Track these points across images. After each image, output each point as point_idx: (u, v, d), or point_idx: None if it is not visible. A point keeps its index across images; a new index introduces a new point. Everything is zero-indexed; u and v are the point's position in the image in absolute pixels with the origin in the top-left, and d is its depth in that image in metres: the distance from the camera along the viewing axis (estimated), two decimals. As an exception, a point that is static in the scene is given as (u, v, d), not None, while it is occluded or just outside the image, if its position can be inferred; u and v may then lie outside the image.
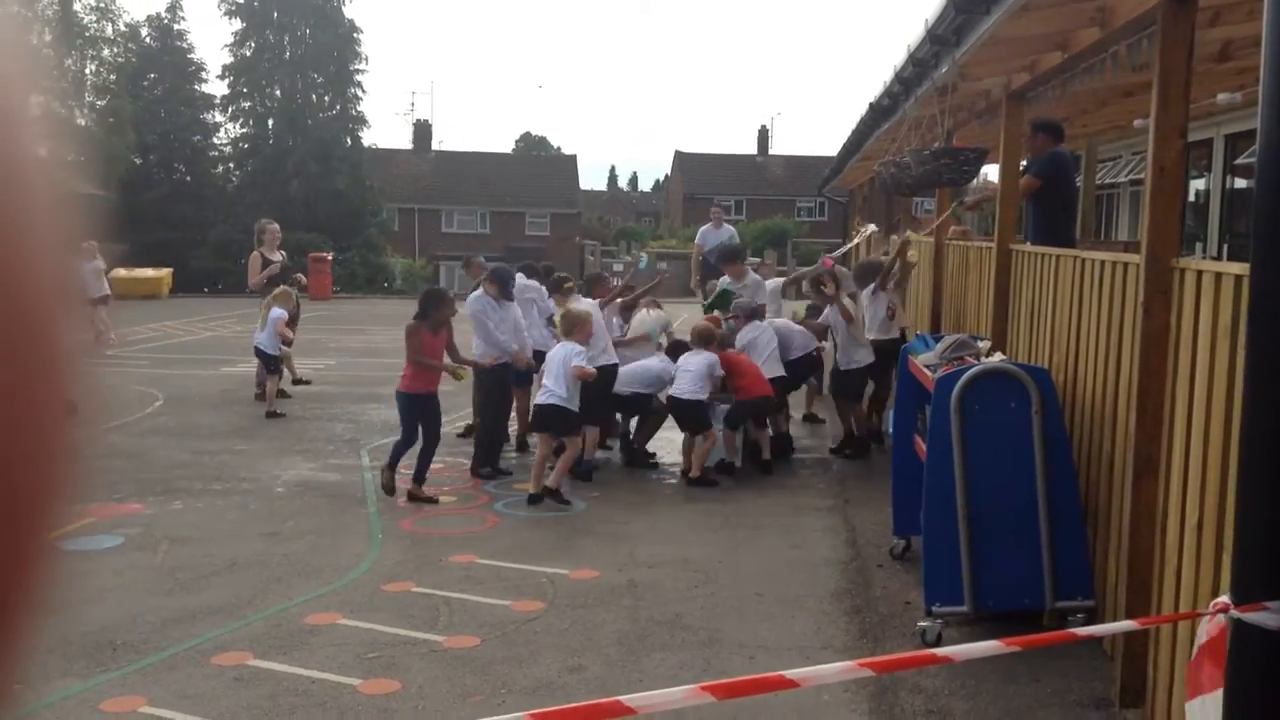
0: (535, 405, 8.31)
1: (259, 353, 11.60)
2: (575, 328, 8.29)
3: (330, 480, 8.63)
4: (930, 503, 5.24)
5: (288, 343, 11.75)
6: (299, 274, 11.62)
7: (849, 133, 14.10)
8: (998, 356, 5.82)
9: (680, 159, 60.49)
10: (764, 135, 60.00)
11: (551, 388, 8.03)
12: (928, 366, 5.97)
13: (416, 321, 8.04)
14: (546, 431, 8.17)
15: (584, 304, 8.91)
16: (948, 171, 6.97)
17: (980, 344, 6.20)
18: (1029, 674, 4.83)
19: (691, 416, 8.66)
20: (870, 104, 10.14)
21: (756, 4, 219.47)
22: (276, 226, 12.54)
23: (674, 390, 8.70)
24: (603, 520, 7.52)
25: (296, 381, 12.57)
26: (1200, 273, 4.00)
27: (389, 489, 8.03)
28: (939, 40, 6.15)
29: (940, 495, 5.19)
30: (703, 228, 14.95)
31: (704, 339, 8.90)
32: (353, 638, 5.33)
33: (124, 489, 8.20)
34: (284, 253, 12.57)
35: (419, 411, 8.00)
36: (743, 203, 54.91)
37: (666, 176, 73.83)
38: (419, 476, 8.04)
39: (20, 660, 0.36)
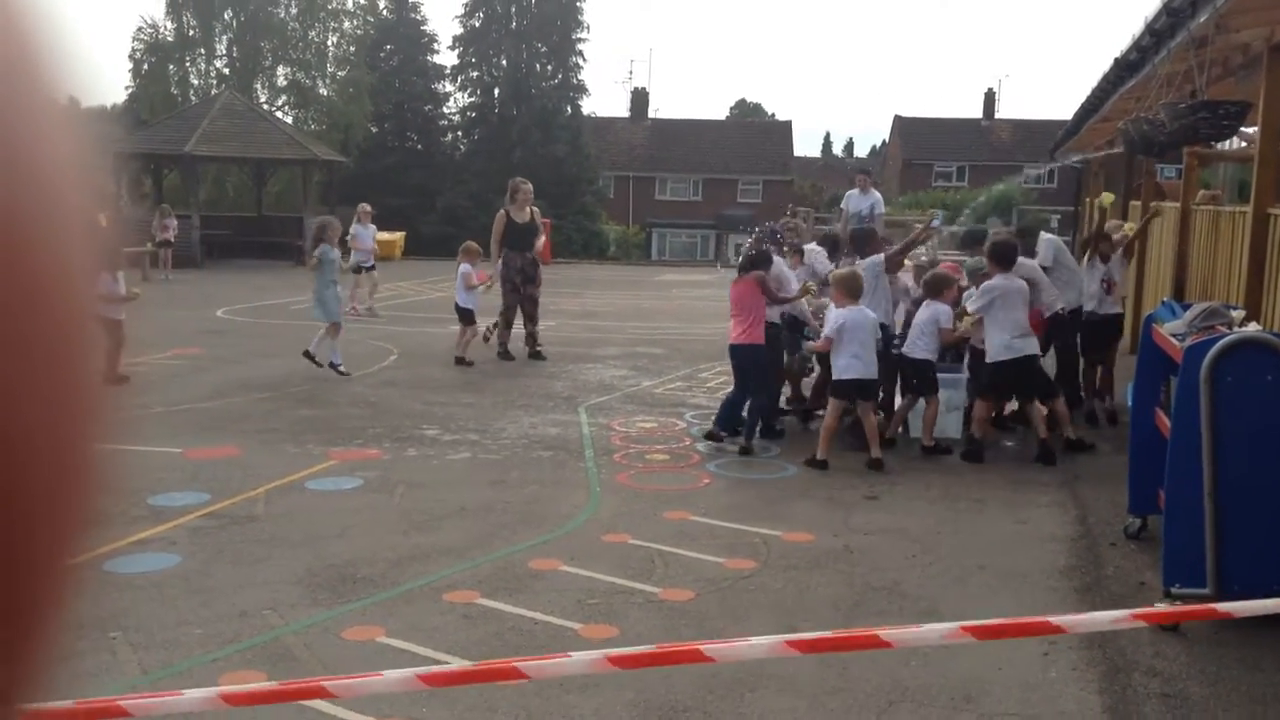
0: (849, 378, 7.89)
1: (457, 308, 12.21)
2: (944, 288, 8.25)
3: (551, 434, 8.90)
4: (1174, 478, 4.94)
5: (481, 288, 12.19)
6: (538, 240, 11.87)
7: (1087, 93, 13.36)
8: (1253, 326, 5.41)
9: (899, 123, 58.80)
10: (990, 98, 57.58)
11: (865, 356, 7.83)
12: (1175, 335, 5.61)
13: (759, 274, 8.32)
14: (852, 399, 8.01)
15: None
16: (1205, 126, 6.50)
17: (1234, 313, 5.77)
18: (1277, 663, 4.50)
19: (920, 377, 8.39)
20: (1115, 59, 9.58)
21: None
22: (530, 186, 12.53)
23: (904, 347, 8.47)
24: (816, 485, 7.46)
25: (486, 339, 12.74)
26: None
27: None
28: (1198, -13, 5.73)
29: (1185, 471, 4.88)
30: (850, 192, 14.53)
31: (936, 287, 8.36)
32: (573, 584, 5.50)
33: (363, 435, 8.72)
34: (535, 209, 12.78)
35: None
36: (965, 169, 52.98)
37: (884, 142, 71.98)
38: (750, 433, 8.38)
39: (43, 670, 0.36)
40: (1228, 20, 6.36)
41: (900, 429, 8.81)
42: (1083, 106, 14.74)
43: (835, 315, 7.93)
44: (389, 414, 9.57)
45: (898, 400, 8.88)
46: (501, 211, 12.38)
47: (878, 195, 14.46)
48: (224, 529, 6.30)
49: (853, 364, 7.81)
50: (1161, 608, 4.92)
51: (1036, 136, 45.82)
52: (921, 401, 8.49)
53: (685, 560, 5.88)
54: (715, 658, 2.24)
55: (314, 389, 10.64)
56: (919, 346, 8.32)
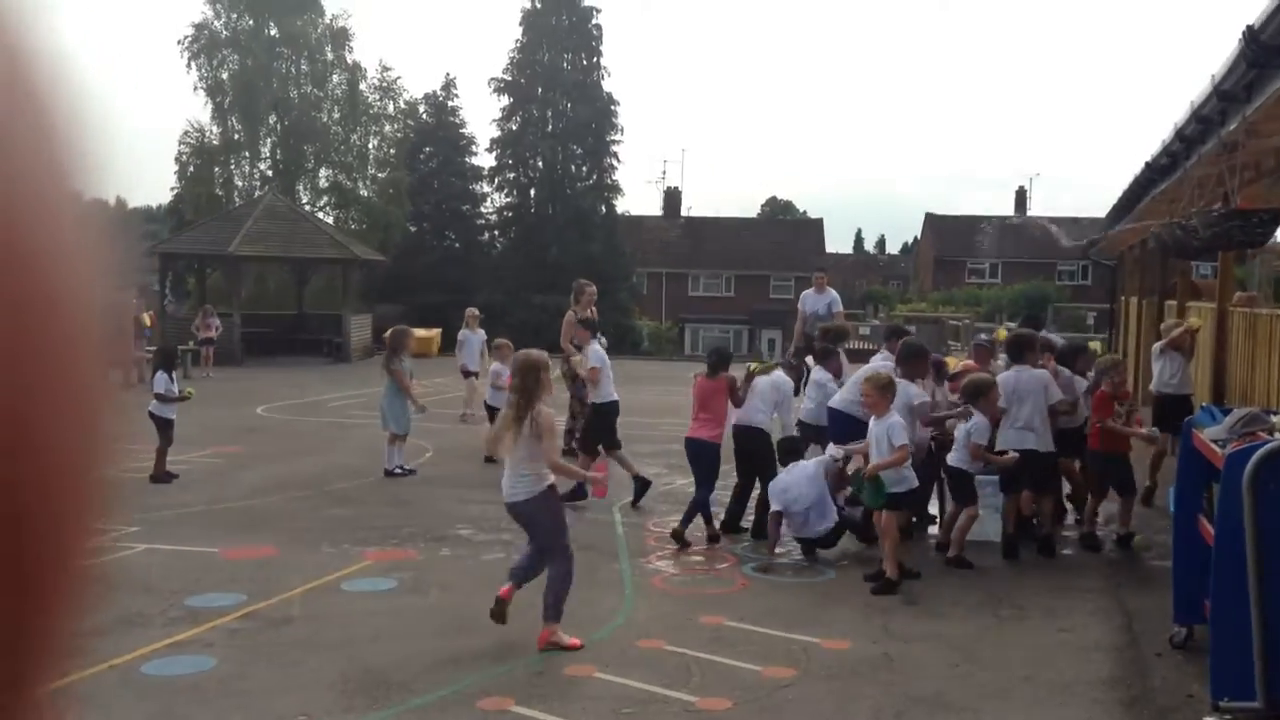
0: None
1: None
2: (980, 395, 8.04)
3: (584, 534, 8.85)
4: (1219, 587, 4.86)
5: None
6: (600, 336, 12.03)
7: (1119, 194, 13.45)
8: (1296, 433, 5.35)
9: (931, 220, 59.27)
10: (1021, 195, 58.01)
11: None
12: (1215, 441, 5.56)
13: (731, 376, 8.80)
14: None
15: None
16: (1239, 233, 6.53)
17: (1275, 419, 5.72)
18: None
19: (959, 487, 8.20)
20: (1146, 163, 9.66)
21: (1011, 65, 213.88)
22: (594, 288, 12.70)
23: (950, 457, 8.28)
24: (855, 589, 7.37)
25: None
26: None
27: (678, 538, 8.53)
28: (1226, 96, 5.83)
29: (1230, 579, 4.80)
30: (805, 292, 14.64)
31: (975, 393, 8.12)
32: (608, 691, 5.44)
33: (398, 535, 8.74)
34: (594, 309, 12.93)
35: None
36: (998, 265, 53.11)
37: (916, 239, 72.44)
38: (688, 520, 8.61)
39: (55, 664, 0.39)
40: (1258, 126, 6.43)
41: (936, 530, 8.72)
42: (1115, 207, 14.84)
43: (900, 426, 7.51)
44: (423, 513, 9.59)
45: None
46: (570, 313, 12.42)
47: (834, 294, 14.55)
48: (261, 631, 6.30)
49: (913, 475, 7.52)
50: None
51: (1069, 234, 45.95)
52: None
53: (722, 668, 5.81)
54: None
55: (350, 488, 10.70)
56: (955, 455, 8.20)
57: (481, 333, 15.81)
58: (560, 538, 6.28)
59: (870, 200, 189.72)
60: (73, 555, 0.38)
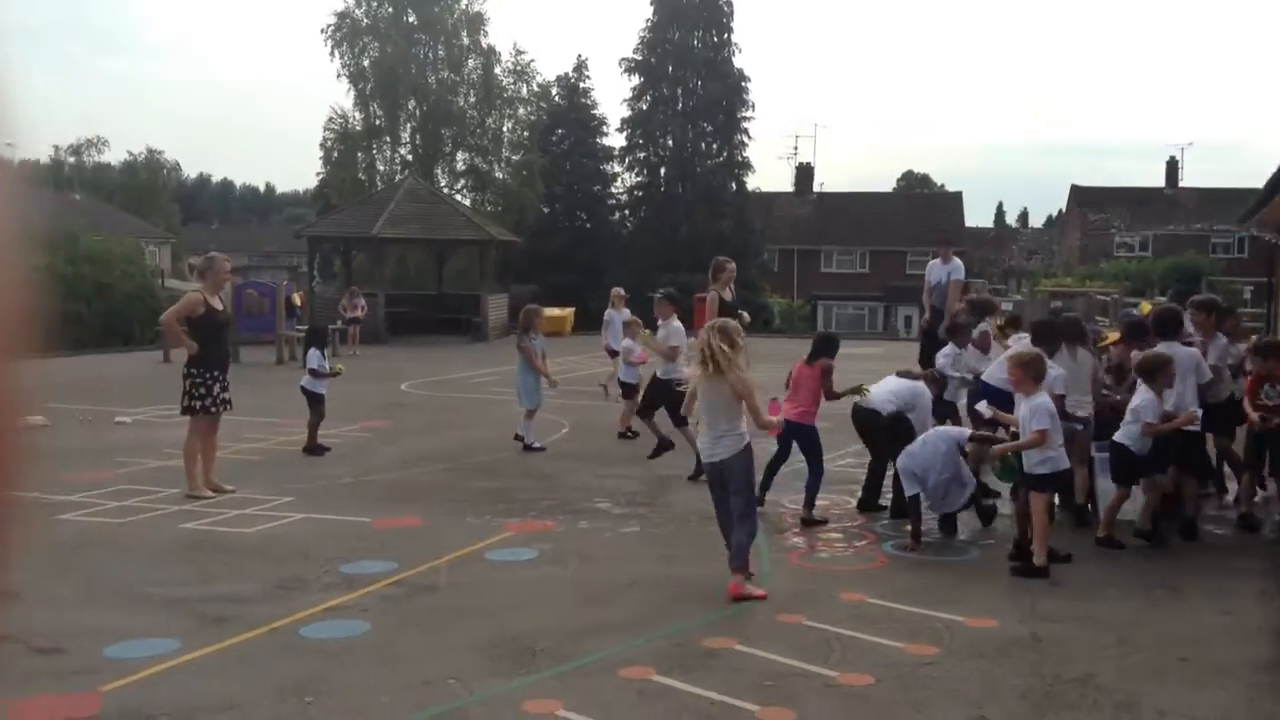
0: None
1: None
2: (1159, 371, 7.67)
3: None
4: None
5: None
6: (742, 312, 12.03)
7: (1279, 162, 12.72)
8: None
9: (1077, 193, 57.15)
10: (1173, 166, 55.44)
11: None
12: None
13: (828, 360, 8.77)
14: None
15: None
16: None
17: None
18: None
19: (1120, 464, 7.85)
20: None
21: (1163, 26, 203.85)
22: (733, 265, 12.58)
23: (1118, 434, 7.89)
24: (1000, 569, 7.20)
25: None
26: None
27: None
28: None
29: None
30: (932, 262, 14.22)
31: (1151, 371, 7.73)
32: (748, 664, 5.46)
33: (538, 507, 8.92)
34: (732, 288, 12.99)
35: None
36: (1148, 239, 50.94)
37: (1060, 212, 69.96)
38: (810, 503, 8.48)
39: None
40: None
41: (1089, 508, 8.44)
42: (1275, 176, 14.05)
43: (1044, 406, 7.16)
44: (562, 487, 9.77)
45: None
46: (713, 292, 12.38)
47: (958, 263, 14.17)
48: (410, 597, 6.53)
49: (1062, 456, 7.16)
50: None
51: (1225, 204, 43.75)
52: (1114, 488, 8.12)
53: (863, 644, 5.76)
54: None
55: (491, 461, 10.97)
56: (1124, 432, 7.81)
57: (626, 312, 15.89)
58: (752, 493, 6.82)
59: (1012, 172, 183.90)
60: None
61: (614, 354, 15.85)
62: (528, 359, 11.73)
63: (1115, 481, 7.89)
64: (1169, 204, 53.04)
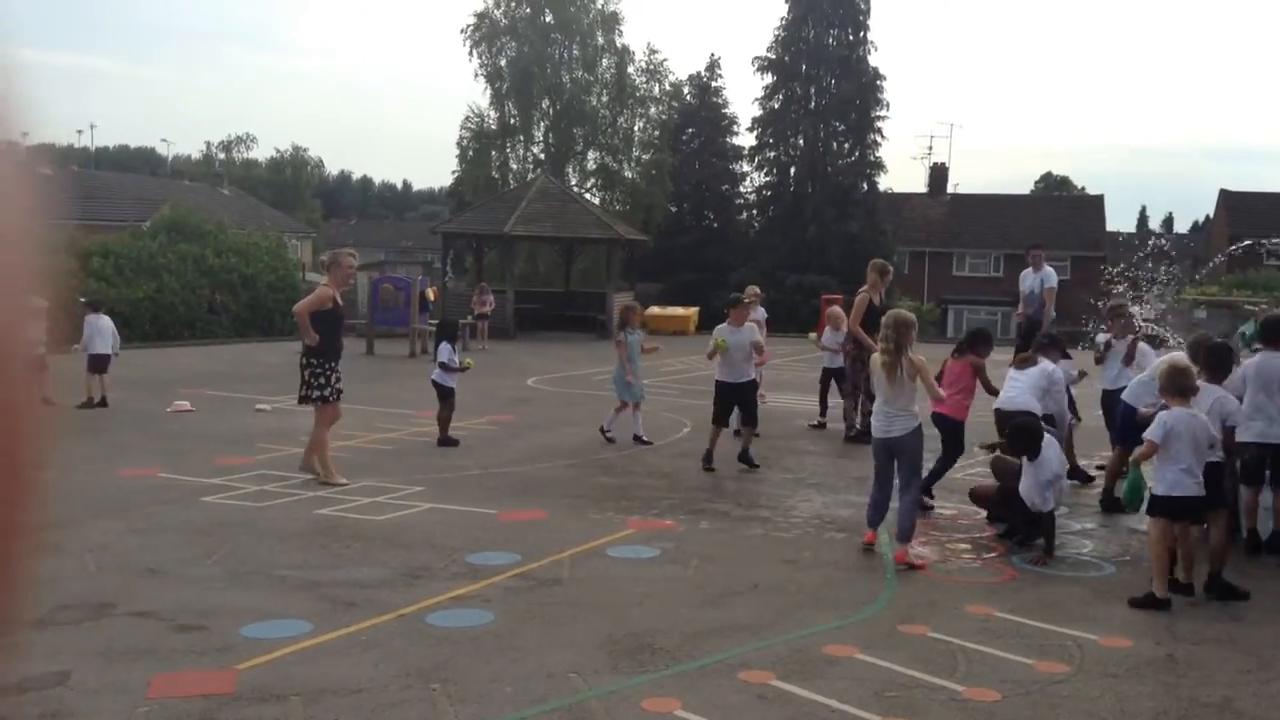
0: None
1: None
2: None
3: (843, 515, 8.79)
4: None
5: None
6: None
7: None
8: None
9: (1226, 197, 54.56)
10: (1334, 169, 52.41)
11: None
12: None
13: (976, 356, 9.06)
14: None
15: None
16: None
17: None
18: None
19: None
20: None
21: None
22: (889, 270, 12.60)
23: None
24: (1135, 587, 6.93)
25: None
26: None
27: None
28: None
29: None
30: (1024, 271, 14.33)
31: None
32: (870, 674, 5.38)
33: (659, 506, 8.95)
34: (881, 293, 12.82)
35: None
36: (1303, 246, 48.26)
37: (1208, 217, 66.91)
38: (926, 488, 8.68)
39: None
40: None
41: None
42: None
43: (1162, 418, 6.78)
44: (683, 486, 9.78)
45: None
46: (864, 293, 12.21)
47: (1049, 270, 13.95)
48: (533, 590, 6.63)
49: (1181, 479, 6.56)
50: None
51: (1393, 209, 41.19)
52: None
53: (990, 659, 5.62)
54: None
55: (614, 458, 11.06)
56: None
57: (762, 310, 15.70)
58: (920, 467, 7.67)
59: (1157, 176, 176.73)
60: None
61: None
62: (619, 354, 11.98)
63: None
64: (1328, 210, 50.17)
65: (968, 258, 51.04)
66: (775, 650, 5.70)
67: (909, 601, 6.60)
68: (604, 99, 41.08)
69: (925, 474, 8.44)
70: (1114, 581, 7.12)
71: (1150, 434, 6.71)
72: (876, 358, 7.65)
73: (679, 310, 31.32)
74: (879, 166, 41.73)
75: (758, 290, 15.90)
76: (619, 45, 40.94)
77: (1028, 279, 14.26)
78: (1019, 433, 7.76)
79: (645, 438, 11.81)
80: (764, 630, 6.00)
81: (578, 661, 5.45)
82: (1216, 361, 7.52)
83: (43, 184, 0.40)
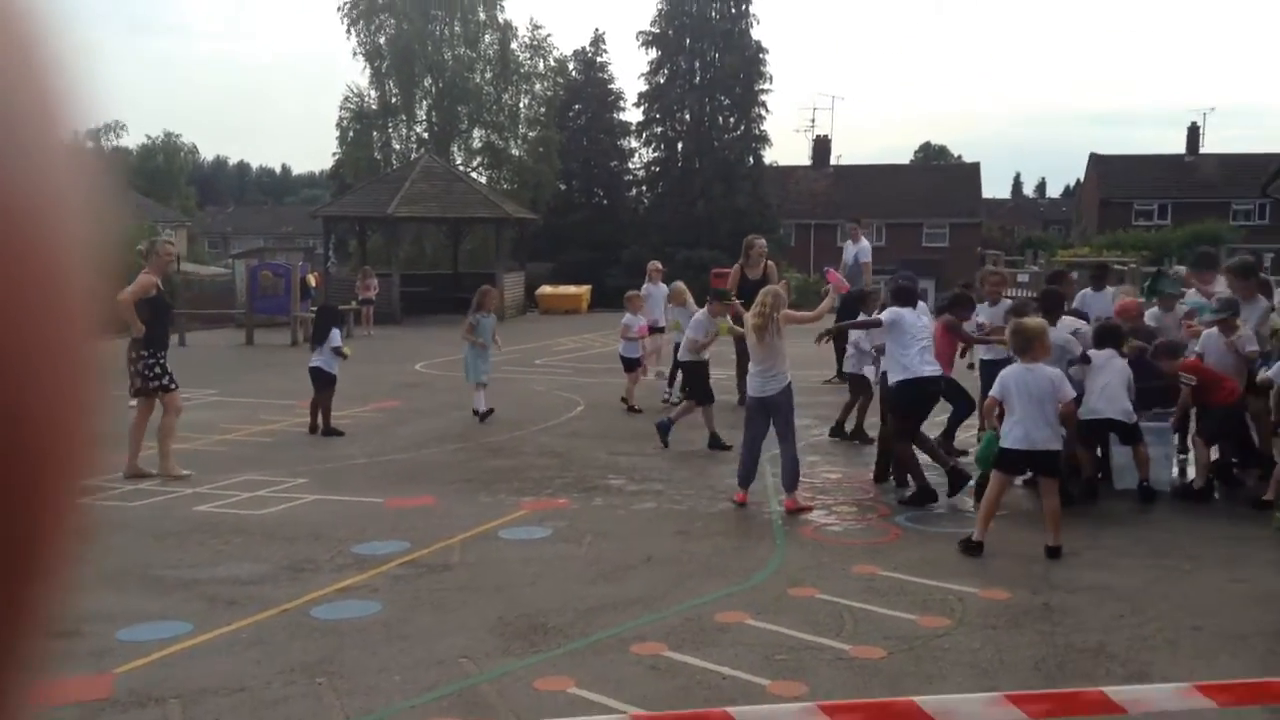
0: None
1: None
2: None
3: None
4: None
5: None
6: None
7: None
8: None
9: (1096, 161, 56.55)
10: (1194, 133, 54.77)
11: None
12: None
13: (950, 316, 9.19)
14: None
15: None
16: None
17: None
18: None
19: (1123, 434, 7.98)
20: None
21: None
22: (763, 242, 12.79)
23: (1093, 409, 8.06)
24: (1012, 540, 7.16)
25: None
26: None
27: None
28: None
29: None
30: (846, 242, 14.91)
31: (1113, 337, 8.20)
32: (760, 638, 5.45)
33: (552, 485, 8.92)
34: (771, 264, 12.99)
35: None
36: (1167, 206, 50.42)
37: (1079, 181, 69.30)
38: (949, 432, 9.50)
39: (39, 634, 0.38)
40: None
41: (1099, 478, 8.41)
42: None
43: (1000, 375, 7.17)
44: (576, 464, 9.76)
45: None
46: (737, 266, 12.61)
47: (865, 243, 14.48)
48: (422, 577, 6.54)
49: (1020, 433, 6.77)
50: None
51: (1246, 171, 43.21)
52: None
53: (876, 616, 5.75)
54: (932, 713, 2.21)
55: (505, 441, 10.97)
56: (1124, 409, 7.94)
57: (664, 286, 15.68)
58: (793, 421, 8.16)
59: (1030, 143, 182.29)
60: (50, 531, 0.37)
61: (653, 330, 15.50)
62: (466, 335, 12.27)
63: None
64: (1189, 171, 52.44)
65: (853, 228, 51.93)
66: (667, 622, 5.73)
67: (798, 565, 6.70)
68: (488, 76, 40.53)
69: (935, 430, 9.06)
70: (993, 536, 7.33)
71: (992, 391, 7.17)
72: (749, 322, 8.18)
73: (571, 289, 31.20)
74: (764, 140, 42.11)
75: (659, 265, 15.91)
76: (501, 21, 40.40)
77: (848, 250, 14.68)
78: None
79: (482, 410, 11.92)
80: (656, 602, 6.03)
81: (468, 646, 5.39)
82: (1050, 305, 8.62)
83: (101, 184, 0.38)
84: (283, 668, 5.11)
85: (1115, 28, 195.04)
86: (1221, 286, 9.30)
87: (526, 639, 5.51)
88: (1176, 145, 56.79)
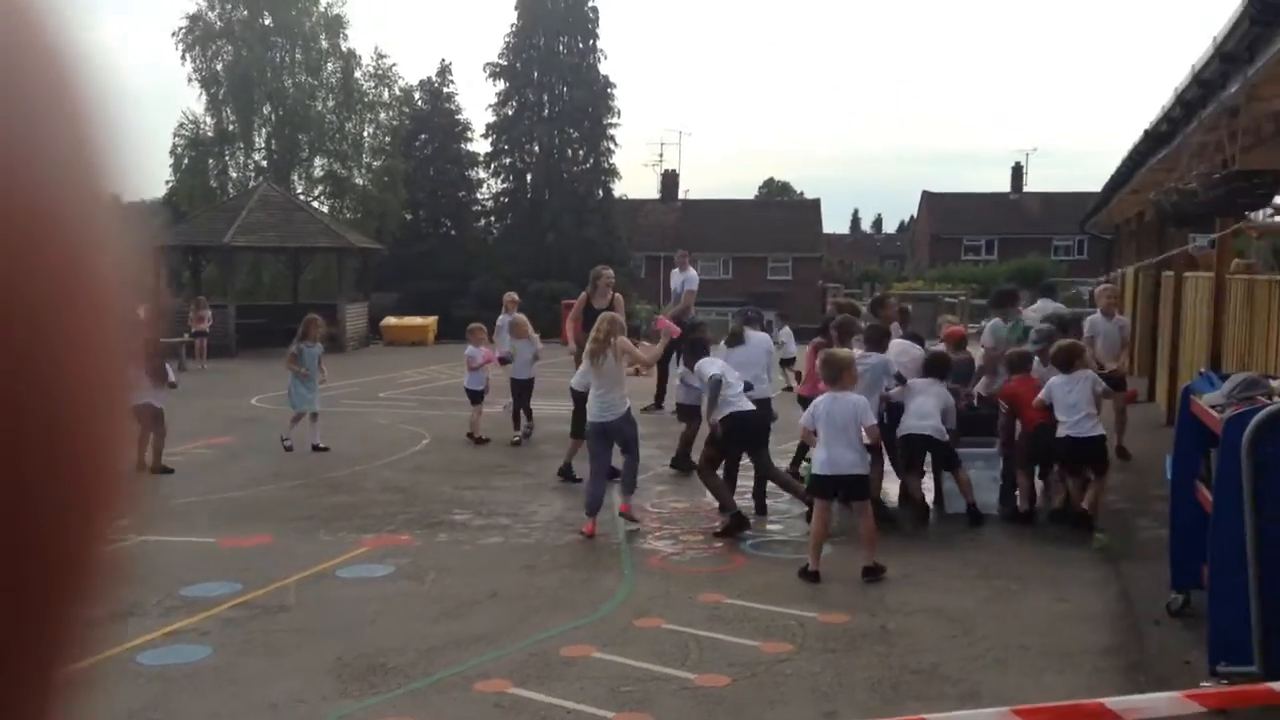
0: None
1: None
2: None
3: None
4: (1217, 553, 4.83)
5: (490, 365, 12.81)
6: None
7: (1117, 165, 13.38)
8: (1293, 397, 5.31)
9: (928, 198, 59.13)
10: (1018, 172, 57.86)
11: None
12: (1213, 407, 5.52)
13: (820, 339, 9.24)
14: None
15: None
16: (1241, 195, 6.45)
17: (1273, 383, 5.68)
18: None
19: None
20: (1145, 131, 9.60)
21: (1009, 41, 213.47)
22: (610, 273, 12.64)
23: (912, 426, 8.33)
24: (852, 564, 7.33)
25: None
26: None
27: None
28: (1229, 58, 5.75)
29: (1228, 545, 4.77)
30: (673, 270, 15.05)
31: (939, 367, 8.55)
32: (606, 671, 5.42)
33: (395, 521, 8.71)
34: (619, 296, 12.92)
35: None
36: (994, 242, 53.02)
37: (913, 218, 72.27)
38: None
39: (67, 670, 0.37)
40: (1260, 89, 6.35)
41: (935, 504, 8.73)
42: (1113, 178, 14.77)
43: (814, 401, 7.41)
44: (420, 499, 9.56)
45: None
46: (583, 295, 12.53)
47: (692, 272, 14.84)
48: (256, 619, 6.28)
49: (828, 459, 6.99)
50: (1208, 687, 4.76)
51: (1066, 209, 45.84)
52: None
53: (720, 644, 5.79)
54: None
55: (346, 476, 10.67)
56: (935, 426, 8.23)
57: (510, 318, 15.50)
58: (636, 440, 8.45)
59: (868, 180, 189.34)
60: (83, 553, 0.37)
61: (504, 362, 15.17)
62: (288, 365, 12.05)
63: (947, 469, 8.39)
64: (1014, 208, 55.32)
65: (699, 262, 52.62)
66: (513, 658, 5.64)
67: (645, 595, 6.71)
68: (330, 104, 39.72)
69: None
70: (833, 560, 7.49)
71: (803, 420, 7.44)
72: (586, 348, 8.43)
73: (417, 320, 30.70)
74: (614, 173, 42.51)
75: (514, 297, 15.73)
76: (345, 49, 39.71)
77: (675, 278, 14.98)
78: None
79: (321, 444, 11.80)
80: (501, 638, 5.93)
81: (304, 690, 5.19)
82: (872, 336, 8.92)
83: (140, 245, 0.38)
84: (105, 717, 4.81)
85: (944, 70, 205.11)
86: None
87: (365, 680, 5.34)
88: (1002, 184, 59.82)
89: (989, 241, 53.15)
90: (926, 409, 8.28)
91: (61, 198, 0.34)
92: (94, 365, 0.36)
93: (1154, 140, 9.56)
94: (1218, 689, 4.38)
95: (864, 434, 7.15)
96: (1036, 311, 10.77)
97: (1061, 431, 7.98)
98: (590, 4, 41.16)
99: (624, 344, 8.29)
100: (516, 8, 40.87)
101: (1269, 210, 8.83)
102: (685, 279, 14.82)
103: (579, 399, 10.55)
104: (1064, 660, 5.51)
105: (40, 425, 0.34)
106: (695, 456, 10.72)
